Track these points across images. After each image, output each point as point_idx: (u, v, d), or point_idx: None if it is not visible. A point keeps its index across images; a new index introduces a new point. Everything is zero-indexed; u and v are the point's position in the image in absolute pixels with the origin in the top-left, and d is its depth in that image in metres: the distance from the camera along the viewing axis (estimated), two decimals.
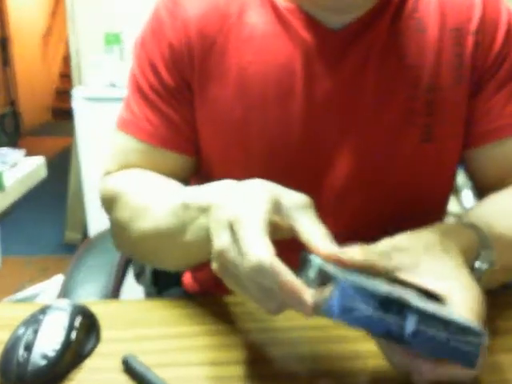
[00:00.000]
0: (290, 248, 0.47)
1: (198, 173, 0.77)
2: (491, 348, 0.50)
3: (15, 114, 5.82)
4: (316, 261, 0.47)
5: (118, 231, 0.72)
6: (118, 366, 0.53)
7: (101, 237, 0.93)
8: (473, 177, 0.77)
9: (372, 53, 0.68)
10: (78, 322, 0.56)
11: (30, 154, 2.33)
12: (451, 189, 0.80)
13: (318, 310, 0.44)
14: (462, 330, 0.44)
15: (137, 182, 0.71)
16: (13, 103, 5.90)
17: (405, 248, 0.52)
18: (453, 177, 0.78)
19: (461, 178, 0.93)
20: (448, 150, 0.73)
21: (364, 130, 0.69)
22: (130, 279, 0.94)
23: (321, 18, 0.68)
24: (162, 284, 0.96)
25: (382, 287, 0.45)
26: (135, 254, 0.76)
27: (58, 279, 2.05)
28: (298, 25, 0.68)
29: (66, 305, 0.58)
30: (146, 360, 0.54)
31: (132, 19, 2.43)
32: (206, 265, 0.51)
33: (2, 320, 0.62)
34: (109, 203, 0.73)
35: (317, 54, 0.68)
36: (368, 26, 0.68)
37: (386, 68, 0.68)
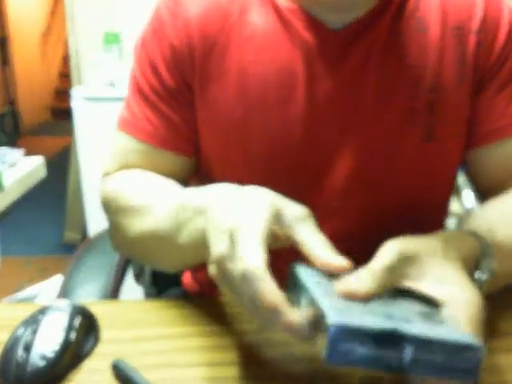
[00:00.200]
0: (287, 261, 0.46)
1: (197, 173, 0.77)
2: (490, 349, 0.50)
3: (14, 114, 5.82)
4: (303, 279, 0.47)
5: (116, 232, 0.72)
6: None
7: (100, 237, 0.93)
8: (474, 179, 0.77)
9: (373, 53, 0.68)
10: (77, 322, 0.56)
11: (29, 153, 2.33)
12: (452, 189, 0.80)
13: (310, 332, 0.43)
14: (459, 348, 0.43)
15: (135, 183, 0.71)
16: (12, 103, 5.89)
17: (410, 257, 0.50)
18: (454, 177, 0.78)
19: (461, 178, 0.93)
20: (449, 150, 0.73)
21: (365, 130, 0.69)
22: (129, 279, 0.94)
23: (322, 18, 0.68)
24: (161, 284, 0.96)
25: (376, 317, 0.44)
26: (133, 255, 0.76)
27: (57, 279, 2.05)
28: (298, 25, 0.68)
29: (65, 305, 0.58)
30: (145, 360, 0.53)
31: (131, 19, 2.43)
32: (205, 265, 0.51)
33: (2, 320, 0.62)
34: (108, 205, 0.73)
35: (317, 54, 0.68)
36: (369, 25, 0.68)
37: (386, 68, 0.68)
